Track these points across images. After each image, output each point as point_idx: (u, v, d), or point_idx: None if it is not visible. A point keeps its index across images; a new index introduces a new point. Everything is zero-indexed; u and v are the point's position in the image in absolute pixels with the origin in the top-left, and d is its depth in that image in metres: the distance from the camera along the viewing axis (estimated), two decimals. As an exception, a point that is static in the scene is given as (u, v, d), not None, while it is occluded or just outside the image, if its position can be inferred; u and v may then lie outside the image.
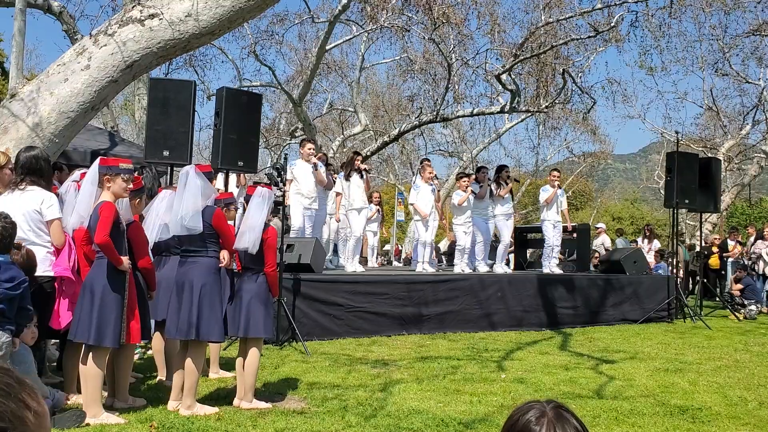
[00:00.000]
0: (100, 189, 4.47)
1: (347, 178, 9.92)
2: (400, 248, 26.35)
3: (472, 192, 10.45)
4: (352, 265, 9.88)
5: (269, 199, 4.98)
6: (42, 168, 4.70)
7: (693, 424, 4.68)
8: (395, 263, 21.47)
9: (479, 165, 12.91)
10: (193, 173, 4.73)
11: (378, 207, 12.83)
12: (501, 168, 11.28)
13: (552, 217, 11.18)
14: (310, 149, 9.42)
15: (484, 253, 10.81)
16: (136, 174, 4.89)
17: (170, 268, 5.28)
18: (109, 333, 4.29)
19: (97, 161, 4.51)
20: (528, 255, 13.93)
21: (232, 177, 8.66)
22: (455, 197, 10.51)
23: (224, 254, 4.85)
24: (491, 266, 10.98)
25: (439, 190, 10.61)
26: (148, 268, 4.78)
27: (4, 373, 0.92)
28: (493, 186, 10.78)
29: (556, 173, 11.64)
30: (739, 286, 13.06)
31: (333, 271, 9.68)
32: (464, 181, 10.49)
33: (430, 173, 10.36)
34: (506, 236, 11.04)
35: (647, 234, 16.92)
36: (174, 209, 4.68)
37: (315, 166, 9.39)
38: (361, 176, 9.96)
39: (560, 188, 11.49)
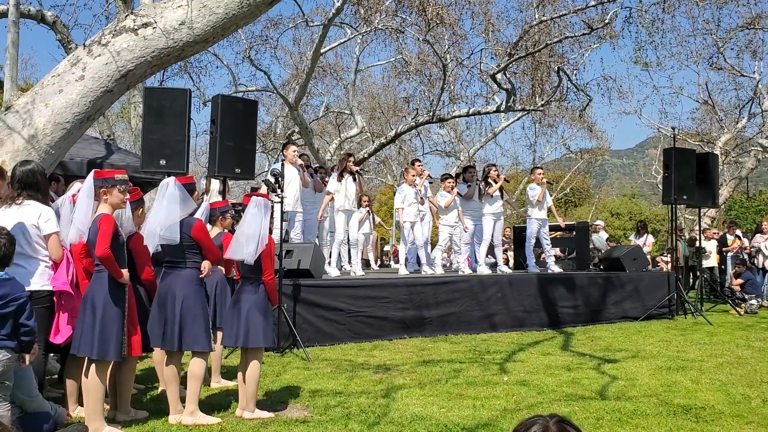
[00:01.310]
0: (96, 202, 4.45)
1: (339, 179, 9.85)
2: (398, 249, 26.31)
3: (459, 194, 10.42)
4: (356, 267, 9.91)
5: (266, 207, 4.95)
6: (38, 182, 4.67)
7: (697, 424, 4.67)
8: (393, 264, 21.43)
9: (466, 165, 12.81)
10: (173, 185, 4.73)
11: (368, 209, 12.79)
12: (488, 167, 11.20)
13: (539, 215, 11.10)
14: (294, 152, 9.36)
15: (469, 253, 10.81)
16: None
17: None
18: (111, 346, 4.27)
19: (91, 174, 4.48)
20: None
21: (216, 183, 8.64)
22: (441, 199, 10.45)
23: (205, 264, 4.85)
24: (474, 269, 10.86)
25: (422, 194, 10.53)
26: (150, 280, 4.77)
27: None
28: (482, 185, 10.71)
29: (540, 170, 11.53)
30: (740, 281, 13.06)
31: (333, 275, 9.63)
32: (449, 182, 10.46)
33: (413, 175, 10.33)
34: (488, 234, 10.67)
35: (639, 229, 16.83)
36: (150, 220, 4.70)
37: (301, 167, 9.31)
38: (354, 178, 9.91)
39: (549, 183, 11.44)
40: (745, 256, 14.37)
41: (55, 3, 33.03)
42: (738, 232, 15.73)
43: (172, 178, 4.84)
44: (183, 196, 4.74)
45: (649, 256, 14.49)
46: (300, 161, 9.35)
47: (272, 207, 5.60)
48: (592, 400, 5.34)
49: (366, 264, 12.80)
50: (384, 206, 39.40)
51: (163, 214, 4.61)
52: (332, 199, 9.88)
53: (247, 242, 4.78)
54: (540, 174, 11.30)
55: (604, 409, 5.05)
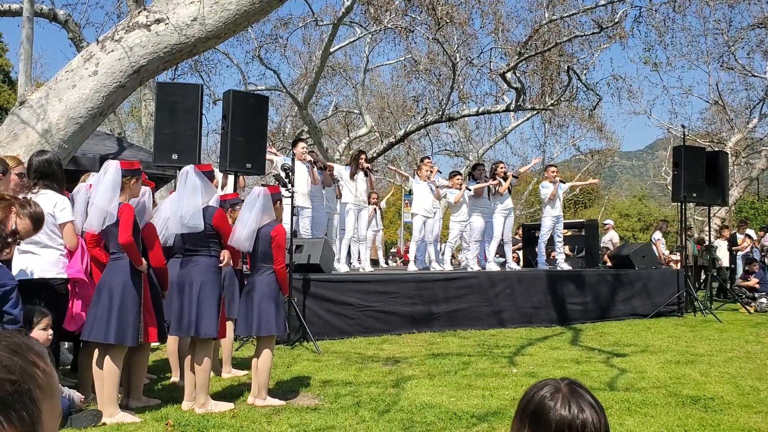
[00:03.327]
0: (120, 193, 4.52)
1: (352, 176, 9.90)
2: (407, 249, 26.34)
3: (467, 188, 10.45)
4: (364, 263, 9.96)
5: (262, 197, 4.98)
6: (54, 172, 4.75)
7: (705, 414, 4.68)
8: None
9: (475, 162, 12.80)
10: (193, 172, 4.79)
11: (375, 206, 12.80)
12: (495, 164, 11.22)
13: (553, 212, 11.13)
14: (303, 148, 9.40)
15: (479, 251, 10.82)
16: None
17: (182, 268, 5.34)
18: (129, 332, 4.35)
19: (115, 165, 4.52)
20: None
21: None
22: (450, 196, 10.50)
23: (224, 254, 4.90)
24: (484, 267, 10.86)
25: (438, 187, 10.56)
26: (162, 268, 4.83)
27: (11, 334, 0.94)
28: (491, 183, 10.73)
29: (554, 168, 11.57)
30: (756, 280, 12.94)
31: (342, 271, 9.66)
32: (457, 179, 10.49)
33: (428, 171, 10.37)
34: (498, 232, 10.77)
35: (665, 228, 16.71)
36: (174, 208, 4.75)
37: (310, 164, 9.36)
38: (366, 174, 9.96)
39: (562, 182, 11.46)
40: (757, 255, 14.30)
41: (68, 2, 33.31)
42: (748, 231, 15.69)
43: (191, 166, 4.90)
44: (204, 184, 4.80)
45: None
46: (309, 157, 9.40)
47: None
48: (600, 391, 5.36)
49: (374, 262, 12.83)
50: (392, 207, 39.42)
51: (186, 202, 4.66)
52: (340, 194, 9.95)
53: (240, 229, 4.85)
54: (553, 172, 11.33)
55: (612, 399, 5.08)
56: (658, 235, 16.79)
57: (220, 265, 4.92)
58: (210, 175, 5.09)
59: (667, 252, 16.95)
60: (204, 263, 4.81)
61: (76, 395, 4.49)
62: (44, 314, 4.22)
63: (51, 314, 4.30)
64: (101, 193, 4.40)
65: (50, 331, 4.31)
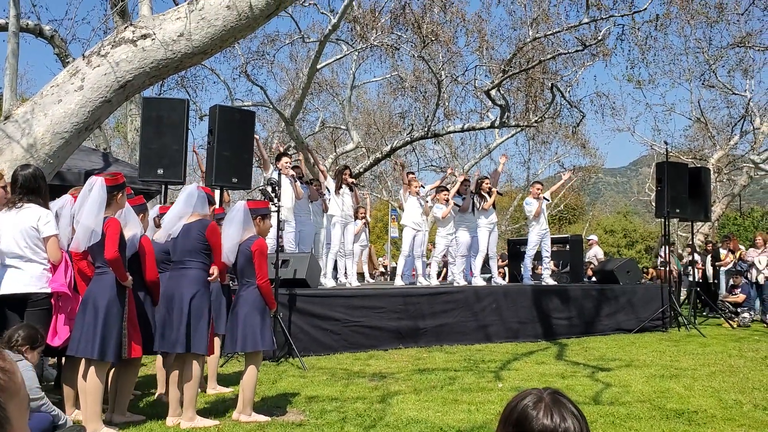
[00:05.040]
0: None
1: (337, 191, 9.93)
2: (394, 264, 26.32)
3: (456, 204, 10.50)
4: (351, 278, 9.95)
5: (241, 211, 4.98)
6: (40, 186, 4.73)
7: (689, 427, 4.72)
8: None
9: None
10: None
11: (364, 221, 12.80)
12: (481, 180, 11.28)
13: (539, 228, 11.18)
14: (286, 162, 9.37)
15: (465, 266, 10.85)
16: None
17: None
18: (111, 348, 4.32)
19: (100, 183, 4.48)
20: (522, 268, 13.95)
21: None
22: (437, 211, 10.52)
23: (215, 269, 4.88)
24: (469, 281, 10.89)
25: (426, 203, 10.62)
26: (155, 282, 4.81)
27: None
28: (476, 198, 10.79)
29: (539, 186, 11.63)
30: (743, 296, 12.98)
31: (328, 286, 9.65)
32: (444, 194, 10.53)
33: (416, 186, 10.42)
34: (483, 247, 10.80)
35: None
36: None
37: (293, 178, 9.34)
38: (351, 189, 10.00)
39: (546, 199, 11.51)
40: (742, 268, 14.39)
41: (54, 17, 33.26)
42: (732, 246, 15.78)
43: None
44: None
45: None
46: (292, 172, 9.37)
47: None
48: (585, 405, 5.39)
49: (361, 277, 12.81)
50: (380, 222, 39.45)
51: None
52: (327, 209, 9.97)
53: (225, 244, 4.85)
54: (538, 189, 11.39)
55: (597, 413, 5.10)
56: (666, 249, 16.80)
57: (209, 279, 4.90)
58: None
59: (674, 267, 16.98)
60: (193, 276, 4.78)
61: (61, 412, 4.45)
62: (44, 339, 4.25)
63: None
64: (87, 212, 4.36)
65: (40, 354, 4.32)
